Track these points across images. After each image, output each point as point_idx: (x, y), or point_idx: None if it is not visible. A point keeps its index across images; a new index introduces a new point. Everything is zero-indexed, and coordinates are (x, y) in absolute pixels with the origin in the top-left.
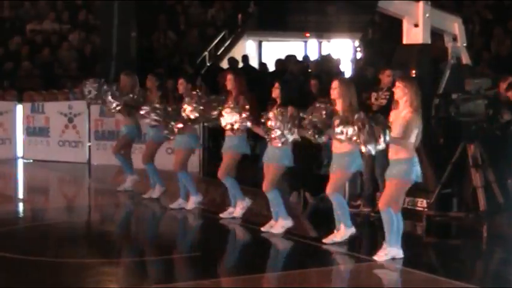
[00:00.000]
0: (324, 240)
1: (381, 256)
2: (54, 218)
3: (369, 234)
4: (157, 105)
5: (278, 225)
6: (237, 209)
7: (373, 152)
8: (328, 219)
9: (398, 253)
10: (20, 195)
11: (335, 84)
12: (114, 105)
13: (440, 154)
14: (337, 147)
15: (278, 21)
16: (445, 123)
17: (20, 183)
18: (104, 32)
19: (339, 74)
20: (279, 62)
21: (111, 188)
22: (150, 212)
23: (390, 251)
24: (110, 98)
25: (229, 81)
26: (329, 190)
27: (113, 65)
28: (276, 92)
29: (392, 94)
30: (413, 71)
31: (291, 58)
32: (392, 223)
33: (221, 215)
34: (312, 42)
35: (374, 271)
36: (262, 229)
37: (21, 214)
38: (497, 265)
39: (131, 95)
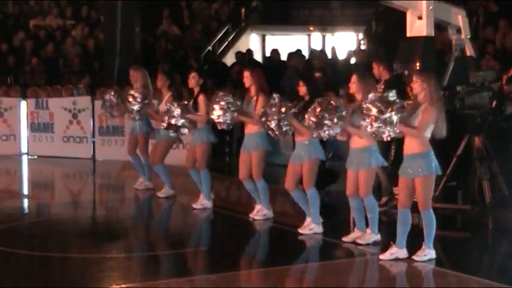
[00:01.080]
0: (344, 239)
1: (419, 256)
2: (59, 214)
3: None
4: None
5: (306, 227)
6: (257, 209)
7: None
8: (333, 214)
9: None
10: (25, 191)
11: (353, 78)
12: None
13: (445, 147)
14: (356, 142)
15: (282, 15)
16: (450, 116)
17: (25, 179)
18: (108, 27)
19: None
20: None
21: (116, 183)
22: (156, 207)
23: (429, 253)
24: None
25: (247, 79)
26: (363, 195)
27: (116, 60)
28: (302, 90)
29: (386, 86)
30: (418, 64)
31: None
32: (433, 225)
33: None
34: (316, 36)
35: (380, 264)
36: (300, 231)
37: (26, 210)
38: (503, 258)
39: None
